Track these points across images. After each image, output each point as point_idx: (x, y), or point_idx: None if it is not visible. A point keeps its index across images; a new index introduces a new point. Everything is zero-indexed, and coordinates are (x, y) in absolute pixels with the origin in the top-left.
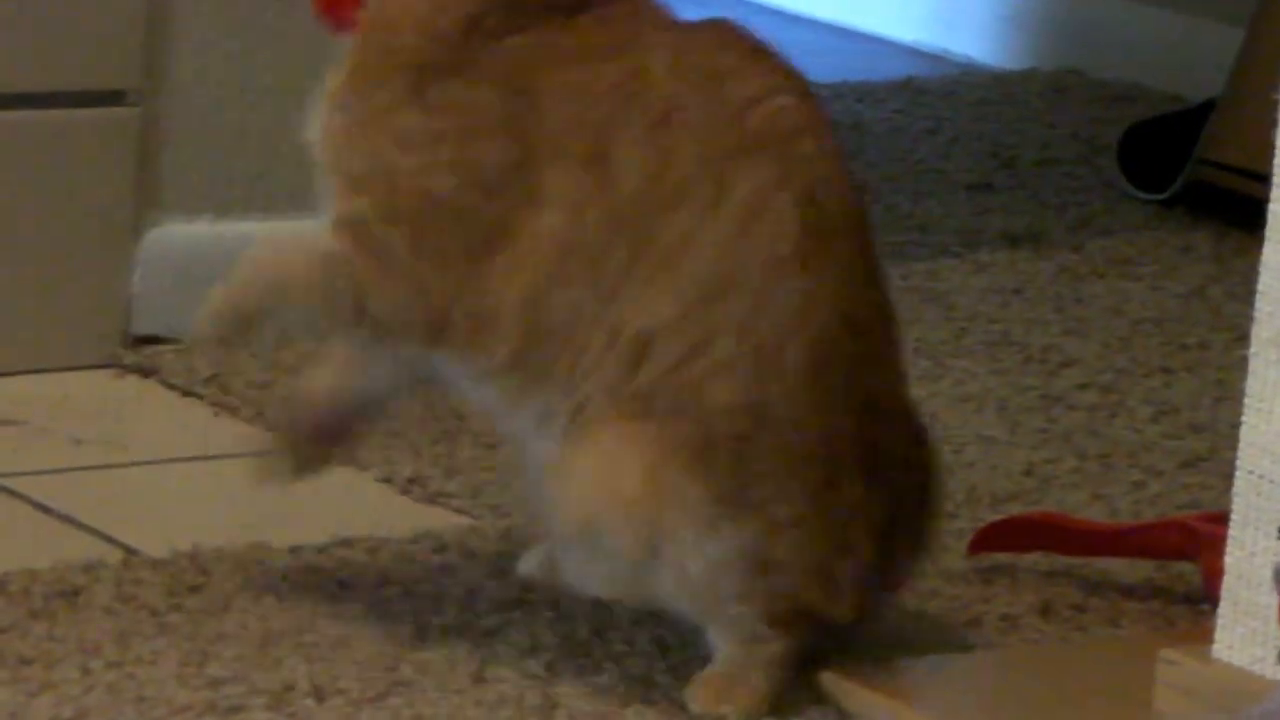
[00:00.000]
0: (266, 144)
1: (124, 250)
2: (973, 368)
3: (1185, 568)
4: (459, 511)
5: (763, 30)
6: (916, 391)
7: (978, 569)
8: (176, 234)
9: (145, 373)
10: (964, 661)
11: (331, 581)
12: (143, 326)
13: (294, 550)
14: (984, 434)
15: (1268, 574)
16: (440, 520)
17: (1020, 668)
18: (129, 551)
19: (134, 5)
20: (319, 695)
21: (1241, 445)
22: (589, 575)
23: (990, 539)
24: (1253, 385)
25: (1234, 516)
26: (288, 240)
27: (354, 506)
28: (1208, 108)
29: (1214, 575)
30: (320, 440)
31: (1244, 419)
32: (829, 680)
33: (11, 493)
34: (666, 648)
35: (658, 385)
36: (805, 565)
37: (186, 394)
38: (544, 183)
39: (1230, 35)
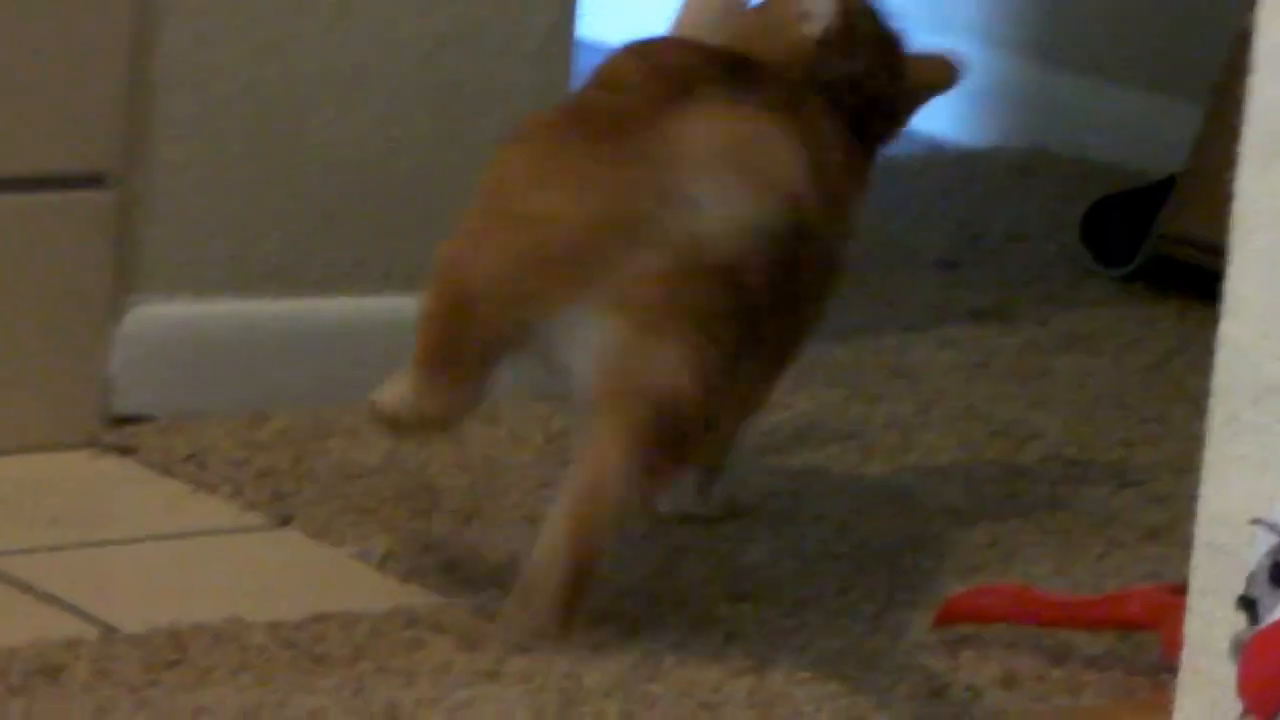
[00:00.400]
0: (244, 225)
1: (103, 330)
2: (939, 441)
3: (1146, 638)
4: (432, 588)
5: None
6: (884, 464)
7: (944, 640)
8: (155, 314)
9: (124, 451)
10: None
11: (307, 657)
12: (122, 406)
13: (271, 626)
14: (949, 506)
15: (1226, 644)
16: (414, 597)
17: None
18: (108, 628)
19: (113, 90)
20: None
21: (1200, 517)
22: None
23: (956, 610)
24: (1210, 458)
25: (1193, 587)
26: None
27: (329, 583)
28: (1170, 183)
29: (1174, 645)
30: None
31: (1202, 491)
32: None
33: None
34: None
35: None
36: None
37: (165, 472)
38: None
39: (1191, 112)
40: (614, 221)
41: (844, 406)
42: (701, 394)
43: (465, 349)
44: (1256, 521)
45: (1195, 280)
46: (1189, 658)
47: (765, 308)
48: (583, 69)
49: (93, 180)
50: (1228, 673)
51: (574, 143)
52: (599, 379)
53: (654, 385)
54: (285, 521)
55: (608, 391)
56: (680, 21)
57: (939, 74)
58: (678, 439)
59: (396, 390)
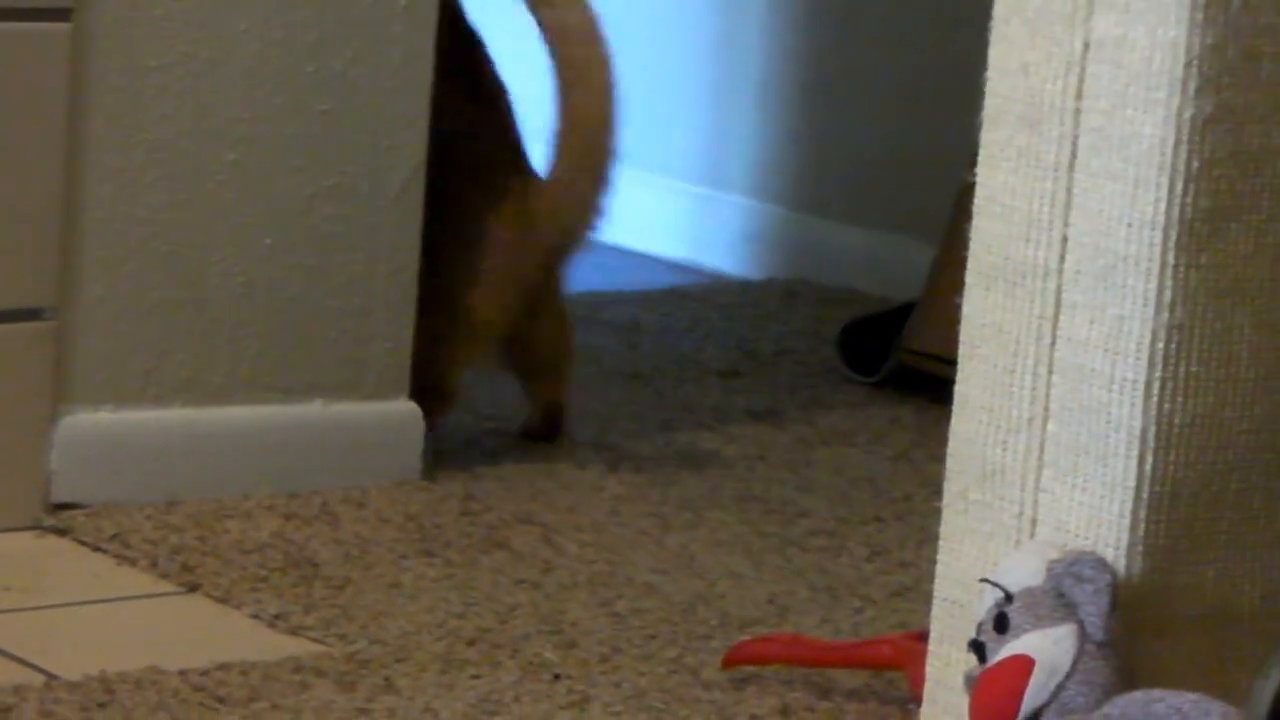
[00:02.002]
0: (156, 348)
1: (43, 435)
2: (724, 518)
3: (896, 676)
4: (314, 640)
5: None
6: (680, 536)
7: (731, 679)
8: (85, 421)
9: (61, 532)
10: None
11: (212, 698)
12: (59, 495)
13: (182, 673)
14: (734, 571)
15: (960, 680)
16: (299, 648)
17: None
18: (49, 676)
19: (48, 240)
20: None
21: (938, 578)
22: None
23: (740, 655)
24: (945, 530)
25: (933, 634)
26: None
27: (230, 637)
28: (910, 307)
29: (919, 682)
30: None
31: (939, 557)
32: None
33: None
34: None
35: None
36: None
37: (95, 549)
38: None
39: (925, 249)
40: None
41: (646, 490)
42: None
43: None
44: (983, 581)
45: (931, 386)
46: (930, 692)
47: None
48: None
49: (31, 313)
50: (961, 704)
51: None
52: None
53: None
54: (193, 588)
55: None
56: None
57: None
58: None
59: None
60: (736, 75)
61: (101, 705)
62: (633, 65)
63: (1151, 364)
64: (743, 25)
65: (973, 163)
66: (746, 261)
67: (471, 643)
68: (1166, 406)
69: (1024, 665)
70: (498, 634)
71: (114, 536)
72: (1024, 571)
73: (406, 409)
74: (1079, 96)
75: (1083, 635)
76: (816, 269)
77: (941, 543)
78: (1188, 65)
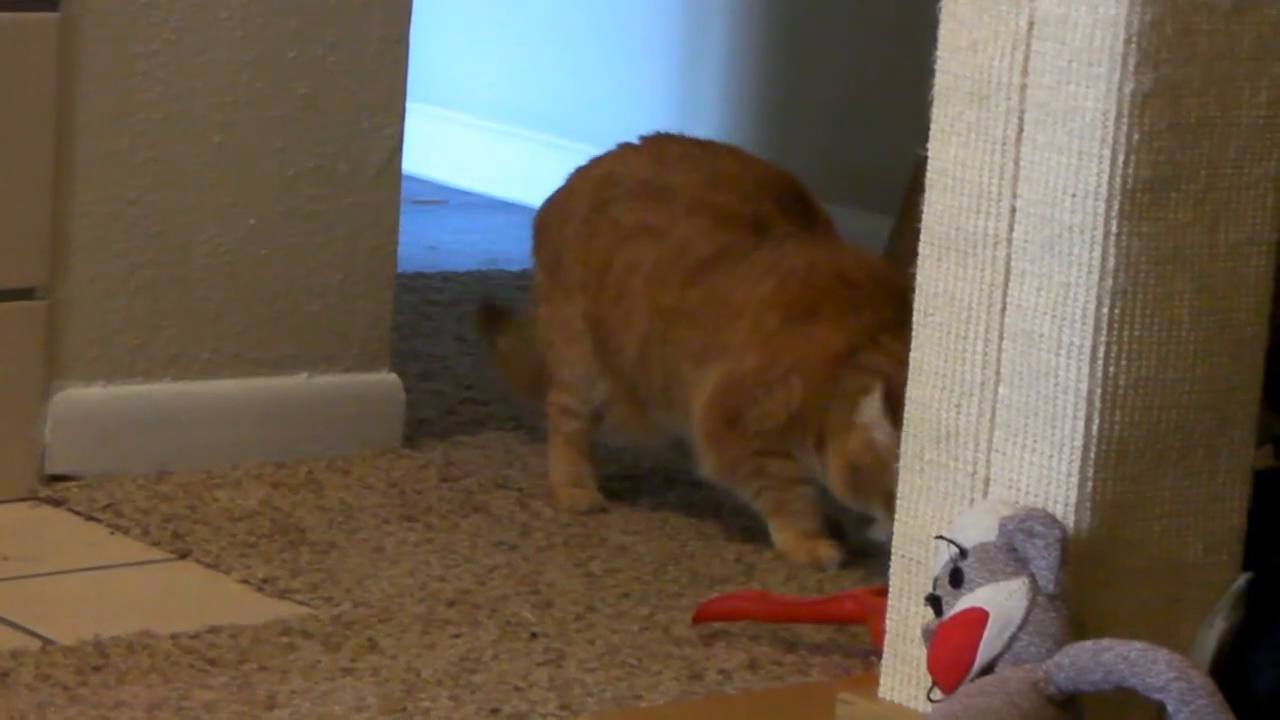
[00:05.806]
0: (144, 325)
1: (37, 409)
2: (694, 482)
3: (858, 630)
4: (300, 604)
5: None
6: (652, 500)
7: (700, 635)
8: (77, 396)
9: (56, 503)
10: (687, 705)
11: (203, 660)
12: (54, 467)
13: (174, 636)
14: (704, 533)
15: (918, 633)
16: (286, 611)
17: (732, 710)
18: (46, 641)
19: (40, 223)
20: None
21: (896, 536)
22: None
23: (710, 611)
24: (903, 490)
25: (892, 590)
26: None
27: (220, 601)
28: None
29: (879, 635)
30: None
31: (897, 516)
32: None
33: None
34: (468, 703)
35: None
36: None
37: (88, 519)
38: None
39: (885, 222)
40: None
41: (619, 454)
42: None
43: None
44: (939, 538)
45: None
46: (890, 644)
47: None
48: (408, 194)
49: (25, 293)
50: (920, 655)
51: None
52: None
53: None
54: (184, 555)
55: None
56: None
57: None
58: None
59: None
60: (700, 56)
61: (96, 669)
62: (602, 52)
63: (1097, 329)
64: (706, 15)
65: (924, 138)
66: None
67: (452, 603)
68: (1112, 369)
69: (978, 618)
70: (477, 595)
71: (107, 506)
72: (978, 528)
73: (388, 380)
74: (1024, 73)
75: (1034, 588)
76: None
77: (900, 501)
78: (1127, 42)
